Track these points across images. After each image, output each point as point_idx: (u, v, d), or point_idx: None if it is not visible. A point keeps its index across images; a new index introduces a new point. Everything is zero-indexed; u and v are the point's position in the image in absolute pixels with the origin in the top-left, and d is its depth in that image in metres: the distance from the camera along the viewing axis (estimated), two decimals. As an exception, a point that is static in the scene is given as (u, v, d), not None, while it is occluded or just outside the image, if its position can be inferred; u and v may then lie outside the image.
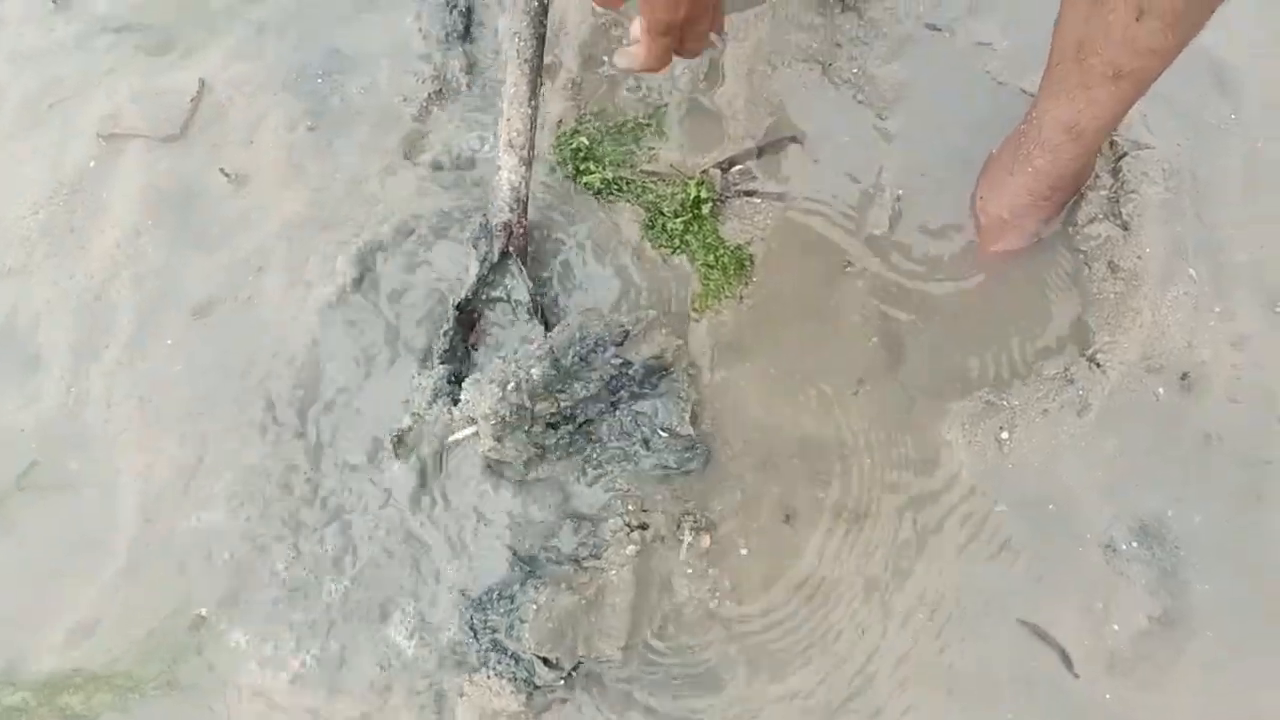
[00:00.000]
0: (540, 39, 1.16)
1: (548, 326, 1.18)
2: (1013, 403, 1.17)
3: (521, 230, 1.17)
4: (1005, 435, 1.16)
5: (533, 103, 1.16)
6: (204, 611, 1.08)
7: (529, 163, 1.17)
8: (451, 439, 1.10)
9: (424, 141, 1.32)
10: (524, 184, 1.17)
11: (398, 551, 1.10)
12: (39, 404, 1.16)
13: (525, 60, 1.15)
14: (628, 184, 1.29)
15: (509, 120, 1.16)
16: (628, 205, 1.27)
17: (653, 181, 1.29)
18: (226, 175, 1.27)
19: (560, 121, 1.33)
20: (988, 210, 1.26)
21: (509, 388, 1.05)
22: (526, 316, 1.18)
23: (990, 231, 1.27)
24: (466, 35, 1.40)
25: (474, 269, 1.17)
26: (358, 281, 1.22)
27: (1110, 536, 1.12)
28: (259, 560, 1.09)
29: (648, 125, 1.34)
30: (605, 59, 1.39)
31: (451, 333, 1.15)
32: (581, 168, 1.29)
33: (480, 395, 1.07)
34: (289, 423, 1.15)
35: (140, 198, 1.27)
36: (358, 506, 1.11)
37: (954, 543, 1.12)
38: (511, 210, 1.17)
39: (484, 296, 1.18)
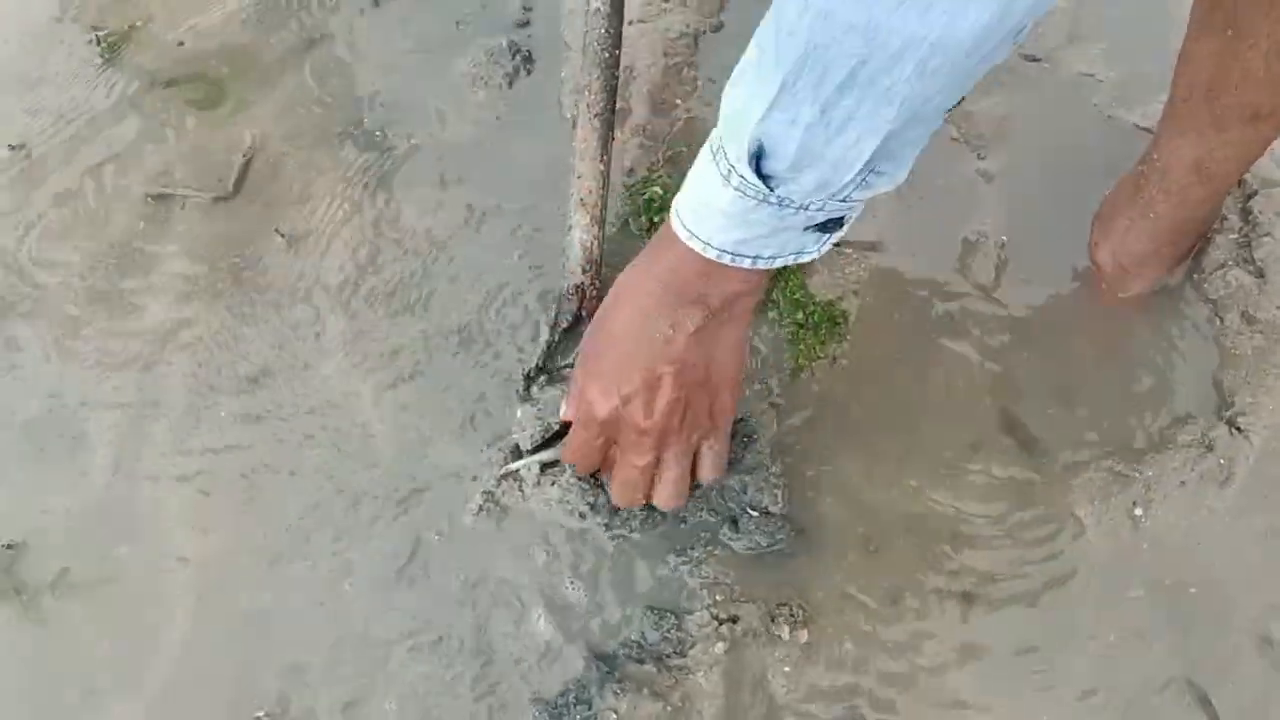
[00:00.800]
0: (611, 92, 1.10)
1: None
2: (1146, 474, 1.05)
3: (595, 293, 1.09)
4: (1139, 511, 1.03)
5: (604, 158, 1.09)
6: (263, 713, 0.98)
7: (601, 221, 1.10)
8: (501, 470, 1.02)
9: (487, 195, 1.24)
10: (596, 244, 1.09)
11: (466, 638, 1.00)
12: (84, 485, 1.08)
13: (596, 115, 1.09)
14: (706, 236, 1.19)
15: (580, 177, 1.09)
16: (707, 259, 1.18)
17: (733, 233, 1.19)
18: (282, 235, 1.20)
19: (631, 170, 1.24)
20: (1105, 259, 1.15)
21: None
22: None
23: (1109, 282, 1.15)
24: (526, 77, 1.32)
25: (544, 334, 1.09)
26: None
27: (1267, 627, 0.99)
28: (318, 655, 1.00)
29: (726, 172, 1.24)
30: (678, 102, 1.30)
31: (524, 401, 1.06)
32: (655, 219, 1.20)
33: (528, 424, 1.03)
34: (349, 493, 1.06)
35: (191, 260, 1.19)
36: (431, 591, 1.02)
37: (1087, 633, 1.00)
38: (584, 271, 1.09)
39: (556, 363, 1.09)
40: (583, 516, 1.02)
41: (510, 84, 1.32)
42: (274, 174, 1.25)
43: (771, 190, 0.66)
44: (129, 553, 1.05)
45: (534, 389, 1.07)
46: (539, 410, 1.04)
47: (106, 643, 1.02)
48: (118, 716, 0.99)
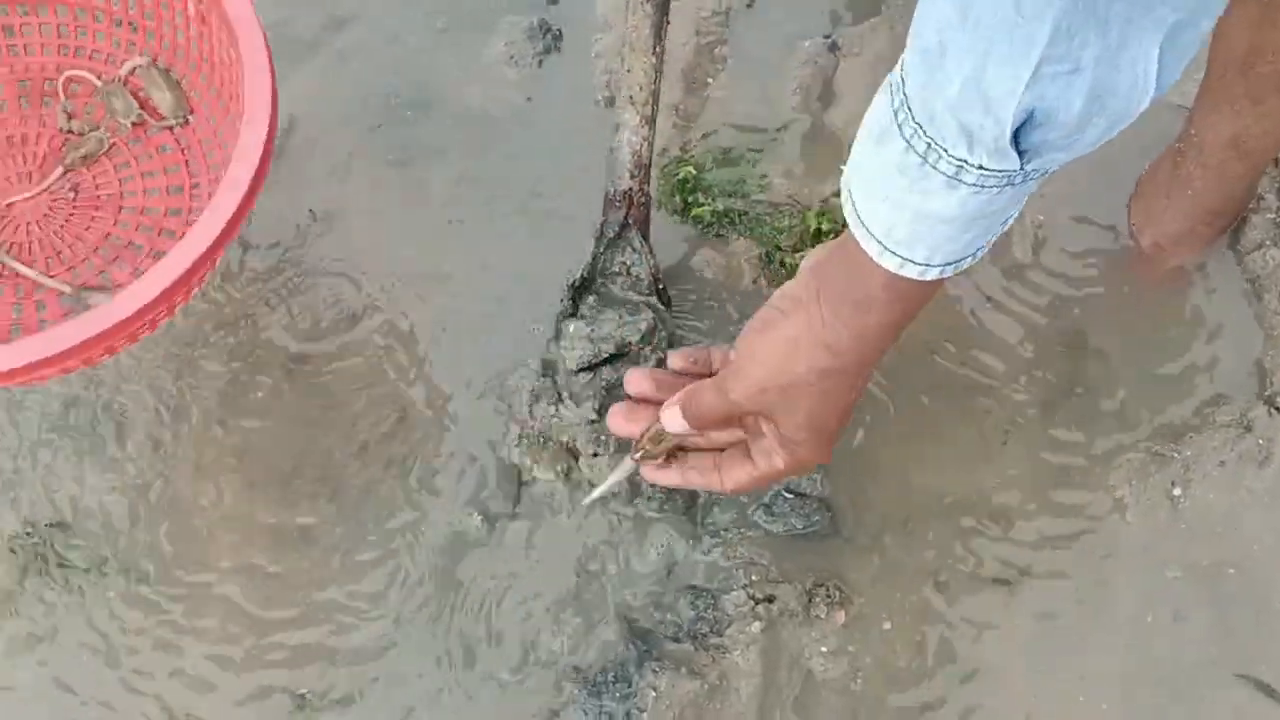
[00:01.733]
0: None
1: (667, 304, 1.09)
2: (1184, 454, 1.05)
3: (644, 199, 1.05)
4: (1177, 491, 1.03)
5: (657, 50, 1.02)
6: (305, 691, 0.99)
7: (652, 121, 1.04)
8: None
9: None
10: (646, 145, 1.04)
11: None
12: (124, 475, 1.08)
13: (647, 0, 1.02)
14: (740, 216, 1.19)
15: (629, 71, 1.02)
16: (742, 239, 1.17)
17: (768, 213, 1.19)
18: (314, 214, 1.20)
19: (664, 150, 1.23)
20: (1143, 238, 1.14)
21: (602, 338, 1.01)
22: (645, 292, 1.07)
23: (1146, 261, 1.15)
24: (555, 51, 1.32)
25: (591, 244, 1.06)
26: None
27: (1306, 608, 0.99)
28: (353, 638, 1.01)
29: (760, 151, 1.24)
30: (710, 80, 1.29)
31: (570, 319, 1.05)
32: (690, 200, 1.19)
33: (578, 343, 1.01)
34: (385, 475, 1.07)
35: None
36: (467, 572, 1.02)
37: (1125, 613, 1.00)
38: (632, 176, 1.04)
39: (602, 272, 1.07)
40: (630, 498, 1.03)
41: (540, 63, 1.31)
42: (307, 153, 1.24)
43: (1024, 164, 0.54)
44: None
45: (581, 306, 1.05)
46: (590, 330, 1.01)
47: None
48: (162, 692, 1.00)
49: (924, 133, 0.55)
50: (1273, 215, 1.15)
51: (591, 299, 1.05)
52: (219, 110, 1.09)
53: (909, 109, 0.55)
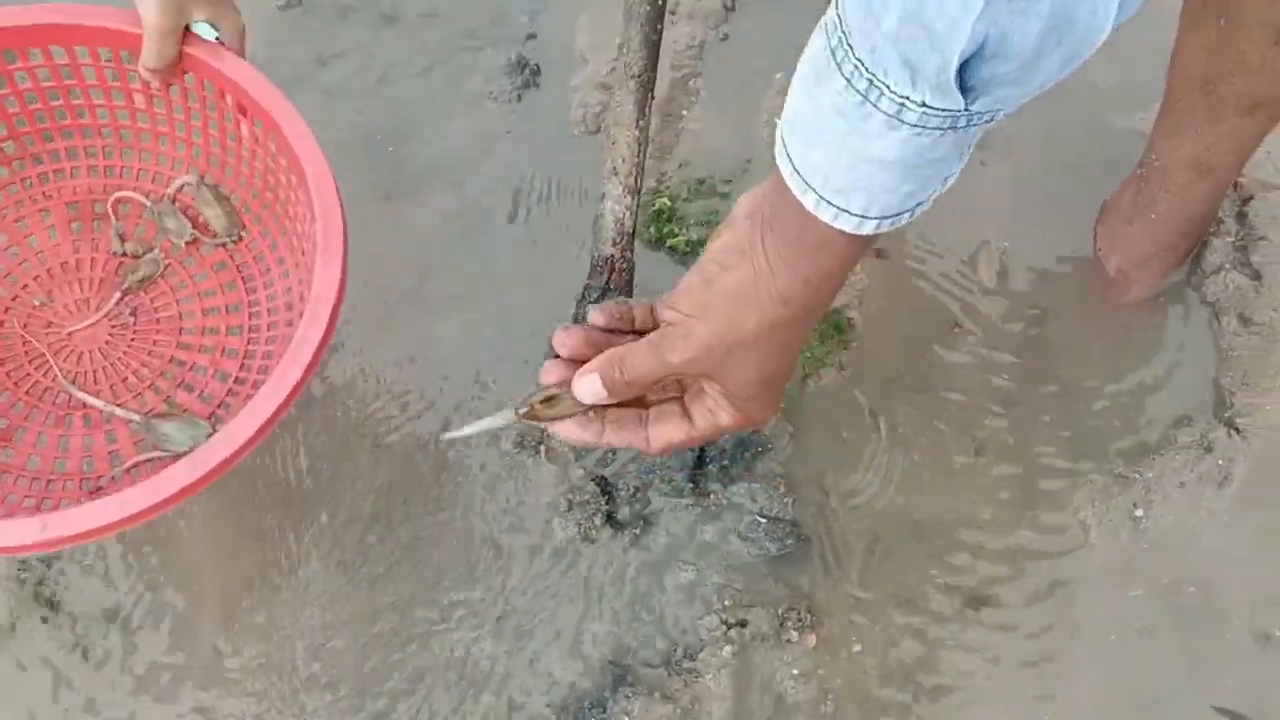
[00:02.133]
0: (653, 50, 1.04)
1: None
2: (1146, 475, 1.07)
3: (626, 265, 1.08)
4: (1140, 512, 1.06)
5: (640, 124, 1.04)
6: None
7: (636, 191, 1.07)
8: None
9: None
10: (629, 214, 1.07)
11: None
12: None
13: (633, 76, 1.04)
14: (714, 246, 1.21)
15: (614, 144, 1.05)
16: (714, 269, 1.20)
17: (740, 242, 1.21)
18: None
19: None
20: (1109, 263, 1.17)
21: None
22: None
23: (1110, 285, 1.17)
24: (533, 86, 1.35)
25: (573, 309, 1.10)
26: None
27: (1264, 624, 1.01)
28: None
29: (732, 182, 1.27)
30: (684, 113, 1.33)
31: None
32: (665, 230, 1.22)
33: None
34: (359, 513, 1.09)
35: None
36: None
37: (1090, 633, 1.02)
38: (614, 244, 1.07)
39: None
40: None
41: (519, 98, 1.34)
42: (290, 190, 1.27)
43: (969, 104, 0.50)
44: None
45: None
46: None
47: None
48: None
49: (864, 69, 0.51)
50: (1231, 239, 1.18)
51: None
52: (273, 225, 1.08)
53: (848, 45, 0.52)
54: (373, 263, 1.22)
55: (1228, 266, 1.16)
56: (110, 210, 1.10)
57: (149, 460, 1.00)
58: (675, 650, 1.01)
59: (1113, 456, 1.09)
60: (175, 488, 0.81)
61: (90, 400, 1.03)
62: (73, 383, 1.04)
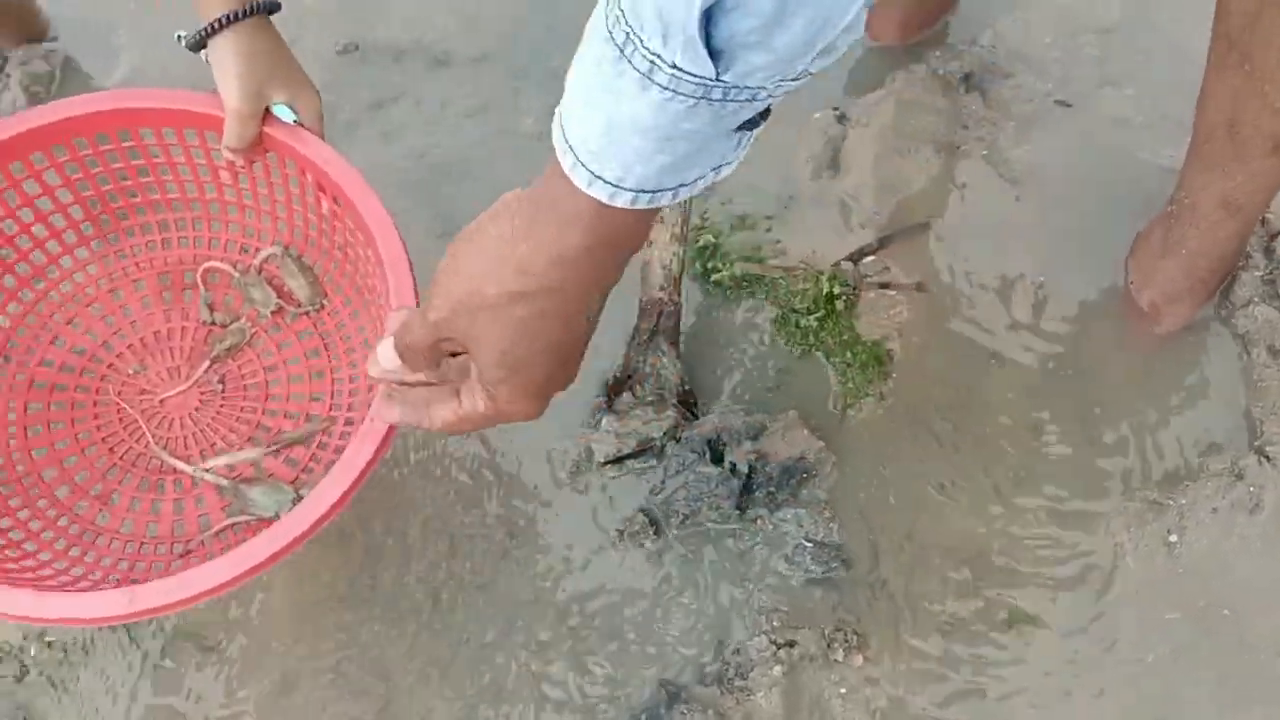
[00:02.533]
0: None
1: (693, 405, 1.17)
2: (1180, 502, 1.11)
3: (673, 309, 1.14)
4: (1174, 538, 1.10)
5: None
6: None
7: (683, 239, 1.13)
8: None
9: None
10: (676, 260, 1.13)
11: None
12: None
13: None
14: (757, 279, 1.26)
15: None
16: (758, 302, 1.25)
17: (782, 276, 1.26)
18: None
19: (684, 218, 1.31)
20: (1141, 297, 1.21)
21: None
22: (672, 395, 1.15)
23: (1143, 317, 1.21)
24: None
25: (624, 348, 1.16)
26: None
27: (1296, 647, 1.05)
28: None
29: (773, 218, 1.32)
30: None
31: (603, 414, 1.15)
32: (709, 265, 1.27)
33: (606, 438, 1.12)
34: (419, 537, 1.14)
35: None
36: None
37: (1126, 654, 1.06)
38: (662, 289, 1.14)
39: (632, 375, 1.16)
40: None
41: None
42: (351, 228, 1.33)
43: (719, 75, 0.49)
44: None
45: (616, 401, 1.15)
46: (618, 426, 1.12)
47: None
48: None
49: (624, 20, 0.49)
50: (1260, 273, 1.22)
51: (625, 395, 1.15)
52: (354, 295, 1.11)
53: None
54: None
55: (1257, 300, 1.20)
56: (200, 280, 1.15)
57: (235, 524, 1.05)
58: (727, 669, 1.05)
59: (1147, 484, 1.13)
60: (260, 557, 0.83)
61: (180, 465, 1.07)
62: (164, 449, 1.08)
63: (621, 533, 1.12)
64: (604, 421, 1.14)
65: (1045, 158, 1.34)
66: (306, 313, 1.14)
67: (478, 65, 1.46)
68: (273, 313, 1.13)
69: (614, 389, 1.16)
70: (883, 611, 1.08)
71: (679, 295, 1.15)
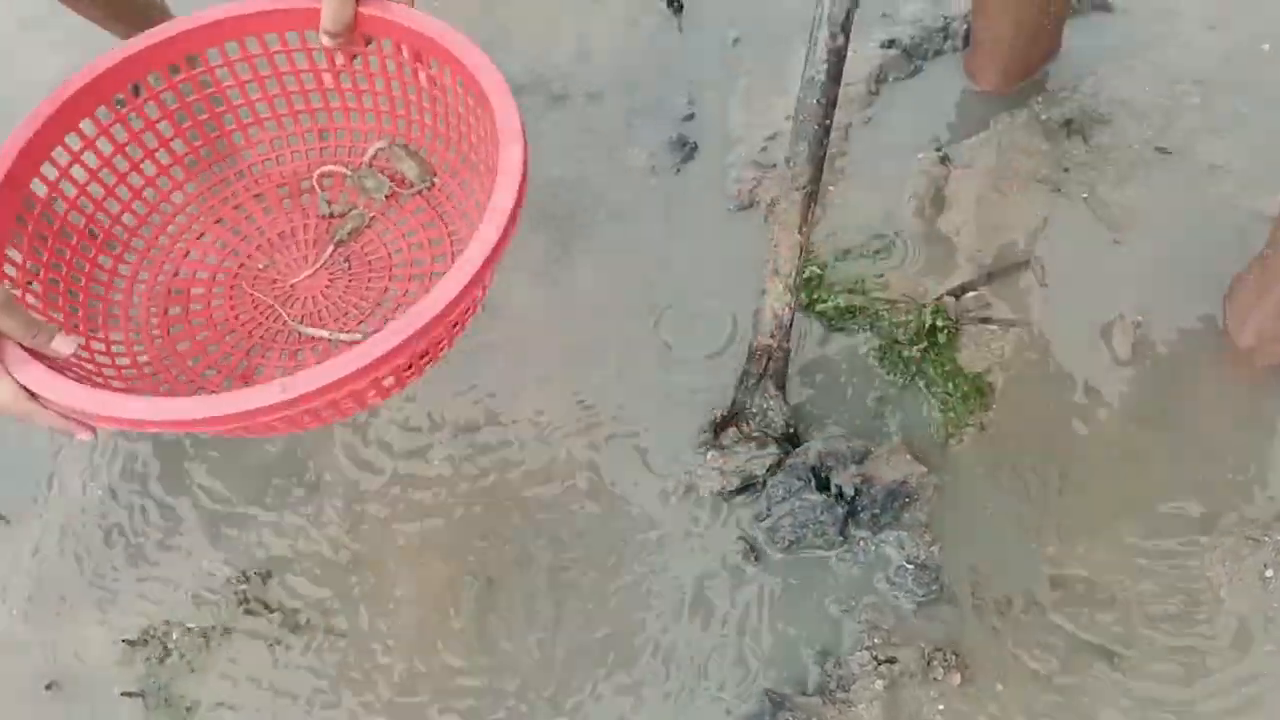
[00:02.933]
0: (818, 165, 1.16)
1: (795, 444, 1.22)
2: (1276, 538, 1.13)
3: (782, 354, 1.20)
4: (1270, 573, 1.12)
5: (803, 230, 1.17)
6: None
7: (795, 290, 1.19)
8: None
9: (661, 272, 1.38)
10: (787, 310, 1.19)
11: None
12: (320, 526, 1.24)
13: (799, 188, 1.16)
14: (860, 311, 1.32)
15: (777, 246, 1.18)
16: (862, 332, 1.30)
17: (885, 308, 1.31)
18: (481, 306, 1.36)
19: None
20: (1238, 338, 1.24)
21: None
22: (777, 433, 1.21)
23: (1240, 357, 1.24)
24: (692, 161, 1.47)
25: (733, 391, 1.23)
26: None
27: (1394, 686, 1.06)
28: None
29: (877, 252, 1.37)
30: (831, 188, 1.43)
31: (709, 449, 1.21)
32: (814, 296, 1.33)
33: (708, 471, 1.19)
34: (541, 560, 1.21)
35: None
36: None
37: (1225, 683, 1.08)
38: (772, 336, 1.20)
39: (739, 413, 1.22)
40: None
41: (678, 171, 1.47)
42: (474, 251, 1.41)
43: None
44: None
45: (722, 436, 1.22)
46: (722, 463, 1.19)
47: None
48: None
49: None
50: (1360, 317, 1.24)
51: (731, 431, 1.21)
52: (461, 166, 1.14)
53: None
54: (541, 323, 1.35)
55: (1354, 342, 1.22)
56: (316, 184, 1.21)
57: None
58: (829, 681, 1.09)
59: (1243, 520, 1.15)
60: (396, 342, 0.83)
61: (315, 332, 1.11)
62: (300, 323, 1.13)
63: (724, 562, 1.17)
64: (709, 456, 1.20)
65: (1144, 202, 1.37)
66: (419, 191, 1.18)
67: (594, 102, 1.54)
68: (387, 197, 1.18)
69: (720, 426, 1.23)
70: (980, 633, 1.12)
71: (788, 342, 1.21)
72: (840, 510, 1.16)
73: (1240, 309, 1.26)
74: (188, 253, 1.16)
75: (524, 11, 1.65)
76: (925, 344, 1.27)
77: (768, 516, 1.18)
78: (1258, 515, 1.16)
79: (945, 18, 1.55)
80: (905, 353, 1.27)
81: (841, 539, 1.16)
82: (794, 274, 1.18)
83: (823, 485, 1.18)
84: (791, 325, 1.21)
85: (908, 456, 1.18)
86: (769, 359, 1.20)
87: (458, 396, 1.31)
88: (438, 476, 1.26)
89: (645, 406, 1.28)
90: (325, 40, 1.04)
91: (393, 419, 1.30)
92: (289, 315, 1.12)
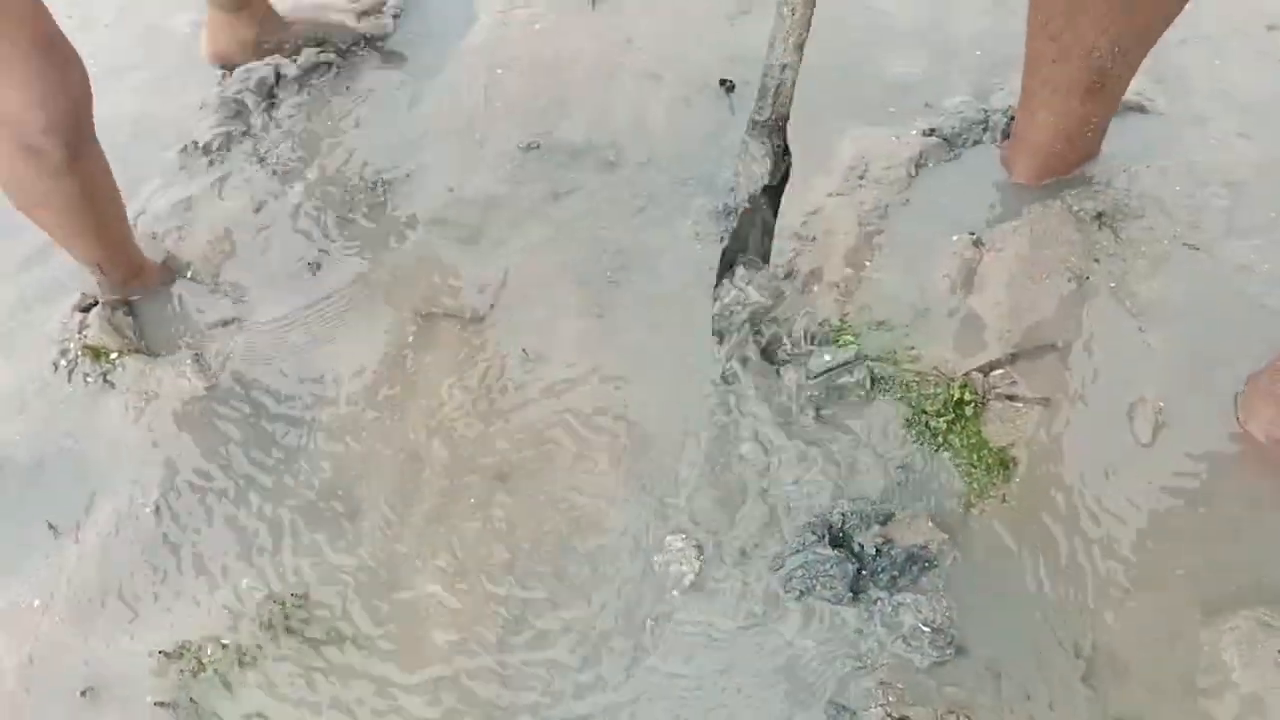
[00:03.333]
0: None
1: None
2: (1290, 624, 1.16)
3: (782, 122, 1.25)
4: (1283, 658, 1.14)
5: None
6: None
7: (799, 48, 1.21)
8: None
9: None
10: (792, 74, 1.22)
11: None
12: (359, 549, 1.29)
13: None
14: (891, 381, 1.36)
15: (793, 12, 1.18)
16: (891, 401, 1.34)
17: (915, 380, 1.36)
18: (526, 354, 1.42)
19: (825, 320, 1.42)
20: (1253, 430, 1.28)
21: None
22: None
23: (1257, 450, 1.27)
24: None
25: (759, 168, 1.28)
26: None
27: (1404, 777, 1.07)
28: None
29: (909, 326, 1.42)
30: (867, 263, 1.49)
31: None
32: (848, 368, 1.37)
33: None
34: (581, 583, 1.24)
35: (450, 370, 1.42)
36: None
37: (1231, 767, 1.10)
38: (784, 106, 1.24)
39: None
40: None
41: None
42: (521, 303, 1.47)
43: None
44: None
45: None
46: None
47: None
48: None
49: None
50: (1379, 417, 1.27)
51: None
52: None
53: None
54: (587, 370, 1.40)
55: (1372, 441, 1.25)
56: None
57: None
58: (843, 736, 1.12)
59: (1259, 604, 1.17)
60: None
61: None
62: None
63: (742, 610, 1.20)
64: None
65: (1170, 295, 1.42)
66: None
67: (645, 169, 1.61)
68: None
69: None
70: (993, 698, 1.14)
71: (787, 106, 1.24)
72: (850, 567, 1.19)
73: (1251, 407, 1.30)
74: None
75: (586, 83, 1.73)
76: (952, 416, 1.31)
77: (781, 566, 1.21)
78: (1273, 601, 1.18)
79: (985, 110, 1.62)
80: (932, 423, 1.31)
81: (851, 595, 1.19)
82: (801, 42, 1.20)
83: (836, 542, 1.21)
84: (791, 97, 1.24)
85: (930, 523, 1.21)
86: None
87: (494, 443, 1.36)
88: (473, 506, 1.30)
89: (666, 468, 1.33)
90: None
91: (436, 454, 1.35)
92: None
